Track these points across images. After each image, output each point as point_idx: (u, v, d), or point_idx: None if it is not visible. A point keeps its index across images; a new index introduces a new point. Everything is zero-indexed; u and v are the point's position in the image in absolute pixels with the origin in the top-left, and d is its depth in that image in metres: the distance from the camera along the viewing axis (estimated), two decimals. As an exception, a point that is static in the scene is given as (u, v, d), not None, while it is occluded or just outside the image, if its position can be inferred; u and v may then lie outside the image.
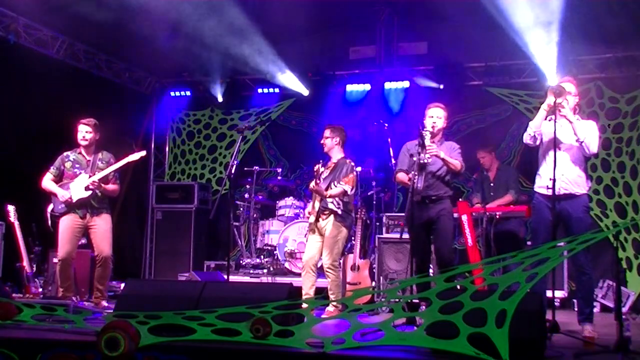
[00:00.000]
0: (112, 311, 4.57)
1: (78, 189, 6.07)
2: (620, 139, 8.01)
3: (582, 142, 4.83)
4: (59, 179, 6.19)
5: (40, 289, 6.75)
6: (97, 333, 3.50)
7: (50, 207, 6.18)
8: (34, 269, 6.78)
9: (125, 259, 8.73)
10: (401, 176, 5.53)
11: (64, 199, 6.03)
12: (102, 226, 6.13)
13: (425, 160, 5.21)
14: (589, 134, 4.86)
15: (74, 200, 6.05)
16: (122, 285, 5.57)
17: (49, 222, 6.18)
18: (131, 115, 9.40)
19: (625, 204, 7.92)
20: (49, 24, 7.74)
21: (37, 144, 7.29)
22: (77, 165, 6.19)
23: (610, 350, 3.91)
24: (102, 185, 6.09)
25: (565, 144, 4.92)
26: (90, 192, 6.06)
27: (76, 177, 6.12)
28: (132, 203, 9.61)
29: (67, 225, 6.07)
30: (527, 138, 5.01)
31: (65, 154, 6.25)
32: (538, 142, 5.00)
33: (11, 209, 6.64)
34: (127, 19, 7.25)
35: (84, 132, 6.16)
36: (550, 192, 4.80)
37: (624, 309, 6.44)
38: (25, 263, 6.64)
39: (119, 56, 8.90)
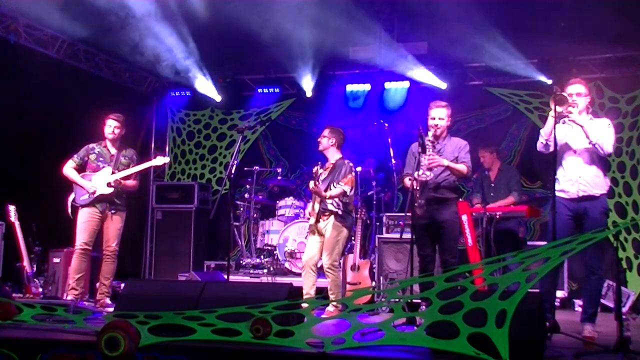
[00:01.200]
0: (112, 311, 4.57)
1: (100, 183, 6.17)
2: (620, 139, 8.01)
3: (595, 144, 4.82)
4: (81, 169, 6.29)
5: (40, 289, 6.75)
6: (97, 333, 3.50)
7: (71, 197, 6.25)
8: (34, 269, 6.78)
9: (125, 259, 8.71)
10: (407, 182, 5.41)
11: (91, 190, 6.13)
12: (116, 224, 6.27)
13: (426, 179, 5.18)
14: (602, 134, 4.84)
15: (96, 195, 6.15)
16: (122, 285, 5.57)
17: (69, 210, 6.25)
18: (131, 115, 9.38)
19: (625, 204, 7.93)
20: (49, 24, 7.74)
21: (37, 144, 7.29)
22: (101, 159, 6.29)
23: (610, 350, 3.91)
24: (123, 182, 6.23)
25: (579, 148, 4.92)
26: (112, 190, 6.17)
27: (99, 170, 6.23)
28: (132, 203, 9.58)
29: (85, 217, 6.17)
30: (540, 146, 4.99)
31: (90, 145, 6.35)
32: (551, 149, 4.98)
33: (11, 209, 6.65)
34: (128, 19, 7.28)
35: (113, 126, 6.31)
36: (570, 196, 4.85)
37: (624, 309, 6.43)
38: (26, 263, 6.65)
39: (119, 56, 8.89)
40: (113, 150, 6.34)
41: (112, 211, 6.24)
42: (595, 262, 4.86)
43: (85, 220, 6.16)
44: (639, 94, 8.01)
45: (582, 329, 4.75)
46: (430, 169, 5.21)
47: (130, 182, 6.36)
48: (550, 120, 4.88)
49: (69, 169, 6.25)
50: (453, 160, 5.32)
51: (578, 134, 4.90)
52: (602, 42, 7.84)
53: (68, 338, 3.88)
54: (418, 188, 5.17)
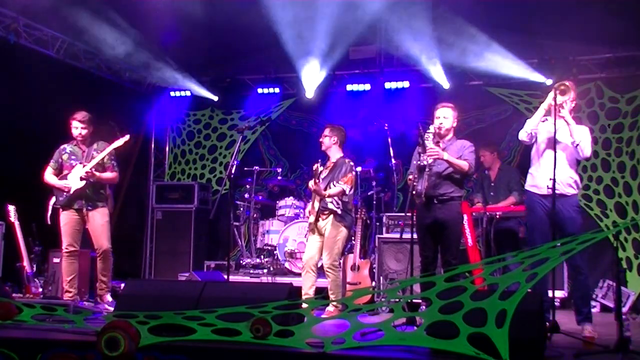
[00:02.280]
0: (112, 310, 4.58)
1: (75, 179, 6.15)
2: (620, 139, 8.01)
3: (577, 144, 4.89)
4: (58, 171, 6.28)
5: (40, 289, 6.75)
6: (97, 333, 3.50)
7: (52, 200, 6.25)
8: (34, 269, 6.78)
9: (125, 259, 8.73)
10: (410, 179, 5.43)
11: (66, 188, 6.12)
12: (98, 220, 6.18)
13: (425, 162, 5.18)
14: (584, 137, 4.93)
15: (72, 192, 6.11)
16: (122, 285, 5.57)
17: (49, 213, 6.23)
18: (131, 115, 9.39)
19: (625, 204, 7.92)
20: (49, 24, 7.73)
21: (37, 144, 7.28)
22: (73, 157, 6.27)
23: (610, 350, 3.91)
24: (96, 174, 6.13)
25: (561, 144, 4.95)
26: (84, 182, 6.11)
27: (73, 169, 6.20)
28: (132, 203, 9.61)
29: (64, 219, 6.17)
30: (523, 136, 5.05)
31: (62, 146, 6.33)
32: (533, 141, 5.04)
33: (11, 209, 6.65)
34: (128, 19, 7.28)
35: (80, 128, 6.25)
36: (542, 192, 4.93)
37: (624, 309, 6.44)
38: (25, 263, 6.64)
39: (118, 56, 8.89)
40: (84, 147, 6.30)
41: (89, 208, 6.17)
42: (580, 262, 4.90)
43: (65, 223, 6.16)
44: (639, 94, 8.01)
45: (582, 329, 4.76)
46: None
47: (107, 175, 6.26)
48: (541, 111, 4.97)
49: (48, 175, 6.25)
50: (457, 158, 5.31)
51: (562, 132, 4.94)
52: (602, 42, 7.84)
53: (68, 338, 3.89)
54: (416, 174, 5.18)
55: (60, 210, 6.20)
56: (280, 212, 8.43)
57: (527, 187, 5.10)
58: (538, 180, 4.97)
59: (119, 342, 3.41)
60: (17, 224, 6.63)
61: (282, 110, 9.73)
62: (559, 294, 6.80)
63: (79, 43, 8.21)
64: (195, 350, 3.65)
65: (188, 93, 9.81)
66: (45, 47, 7.92)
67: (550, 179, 4.80)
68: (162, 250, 9.19)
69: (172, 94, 9.89)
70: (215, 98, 9.66)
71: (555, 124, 4.79)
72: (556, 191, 4.86)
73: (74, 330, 4.16)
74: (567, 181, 4.94)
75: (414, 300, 5.84)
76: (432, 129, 5.30)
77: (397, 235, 6.97)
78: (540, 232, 4.91)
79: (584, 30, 7.39)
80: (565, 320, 5.01)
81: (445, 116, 5.40)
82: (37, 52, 7.78)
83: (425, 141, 5.20)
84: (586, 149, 4.91)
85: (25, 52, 7.59)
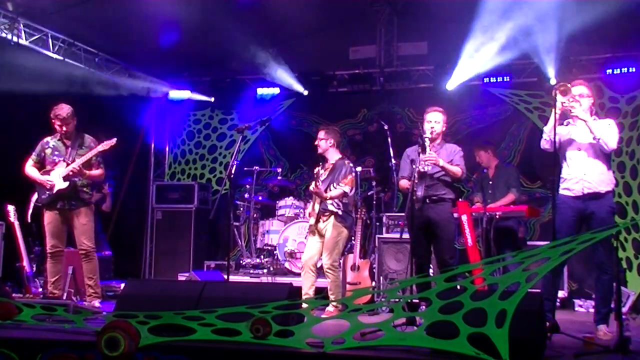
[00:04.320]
0: (111, 311, 4.58)
1: (57, 179, 5.92)
2: (621, 139, 7.94)
3: (599, 139, 4.82)
4: (40, 165, 6.05)
5: (40, 289, 6.74)
6: (97, 333, 3.50)
7: (34, 197, 6.08)
8: (34, 269, 6.77)
9: (125, 259, 8.74)
10: (403, 183, 5.52)
11: (49, 185, 5.90)
12: (80, 220, 5.97)
13: (424, 169, 5.23)
14: (605, 130, 4.84)
15: (55, 191, 5.90)
16: (122, 285, 5.57)
17: (30, 211, 6.08)
18: (131, 115, 9.39)
19: (625, 204, 7.92)
20: (49, 24, 7.74)
21: (37, 144, 7.28)
22: (56, 153, 6.04)
23: (610, 350, 3.91)
24: (85, 172, 5.91)
25: (584, 144, 4.90)
26: (68, 183, 5.90)
27: (56, 166, 5.98)
28: (132, 203, 9.61)
29: (47, 219, 5.98)
30: (544, 144, 4.97)
31: (45, 140, 6.11)
32: (557, 146, 4.99)
33: (11, 209, 6.63)
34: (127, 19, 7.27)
35: (62, 125, 5.99)
36: (574, 194, 4.85)
37: (624, 309, 6.43)
38: (25, 263, 6.64)
39: (119, 56, 8.90)
40: (68, 143, 6.07)
41: (72, 207, 5.95)
42: (606, 261, 4.83)
43: (48, 222, 5.97)
44: (639, 94, 8.01)
45: (596, 329, 4.74)
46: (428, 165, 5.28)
47: (94, 172, 6.02)
48: (553, 116, 4.91)
49: (29, 167, 6.02)
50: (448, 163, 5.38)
51: (582, 130, 4.90)
52: (602, 42, 7.84)
53: (68, 338, 3.88)
54: (417, 180, 5.21)
55: (44, 209, 5.99)
56: (280, 212, 8.43)
57: (560, 190, 5.00)
58: (569, 183, 4.90)
59: (119, 342, 3.41)
60: (17, 224, 6.61)
61: (282, 110, 9.73)
62: (559, 294, 6.81)
63: (79, 43, 8.22)
64: (195, 350, 3.65)
65: (188, 93, 9.82)
66: (45, 47, 7.92)
67: (582, 180, 4.80)
68: (162, 250, 9.18)
69: (172, 94, 9.90)
70: (212, 99, 9.66)
71: (556, 127, 4.76)
72: (589, 190, 4.83)
73: (74, 330, 4.16)
74: (599, 178, 4.86)
75: (414, 300, 5.84)
76: (427, 132, 5.36)
77: (397, 235, 6.98)
78: (565, 235, 4.69)
79: (584, 30, 7.39)
80: (565, 320, 5.01)
81: (436, 120, 5.47)
82: (37, 52, 7.78)
83: (426, 147, 5.26)
84: (610, 142, 4.81)
85: (25, 52, 7.59)
